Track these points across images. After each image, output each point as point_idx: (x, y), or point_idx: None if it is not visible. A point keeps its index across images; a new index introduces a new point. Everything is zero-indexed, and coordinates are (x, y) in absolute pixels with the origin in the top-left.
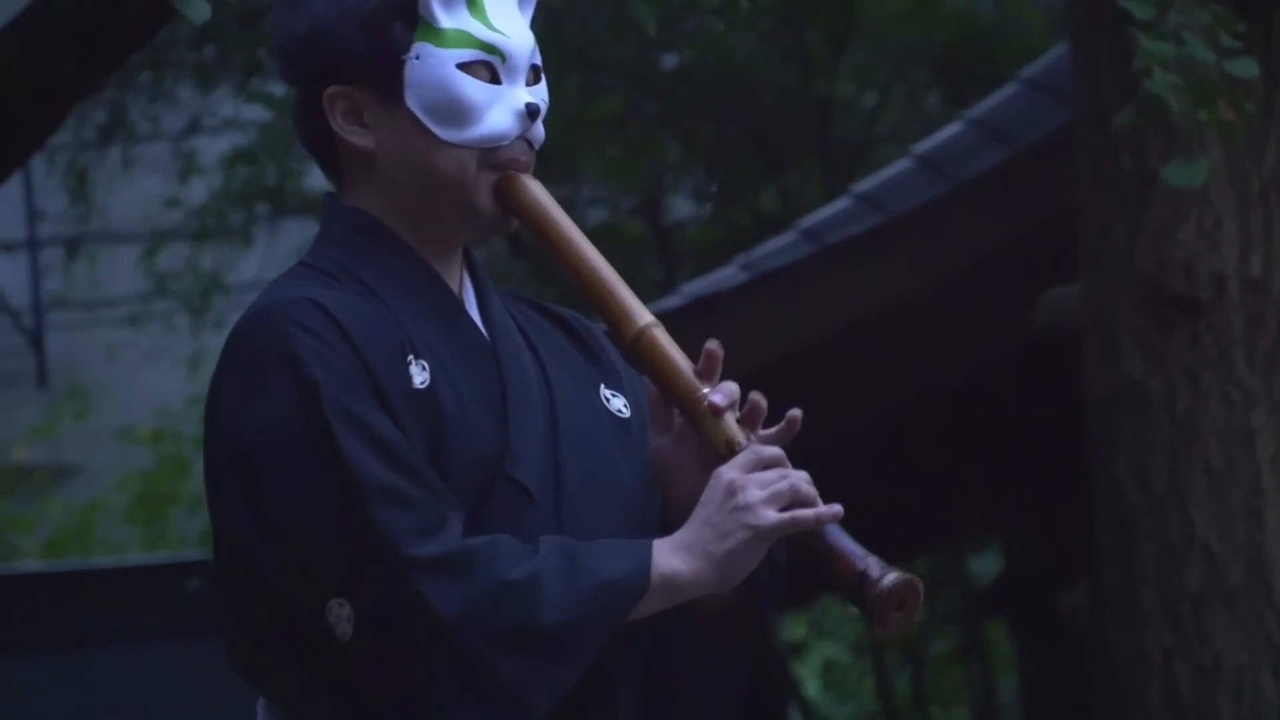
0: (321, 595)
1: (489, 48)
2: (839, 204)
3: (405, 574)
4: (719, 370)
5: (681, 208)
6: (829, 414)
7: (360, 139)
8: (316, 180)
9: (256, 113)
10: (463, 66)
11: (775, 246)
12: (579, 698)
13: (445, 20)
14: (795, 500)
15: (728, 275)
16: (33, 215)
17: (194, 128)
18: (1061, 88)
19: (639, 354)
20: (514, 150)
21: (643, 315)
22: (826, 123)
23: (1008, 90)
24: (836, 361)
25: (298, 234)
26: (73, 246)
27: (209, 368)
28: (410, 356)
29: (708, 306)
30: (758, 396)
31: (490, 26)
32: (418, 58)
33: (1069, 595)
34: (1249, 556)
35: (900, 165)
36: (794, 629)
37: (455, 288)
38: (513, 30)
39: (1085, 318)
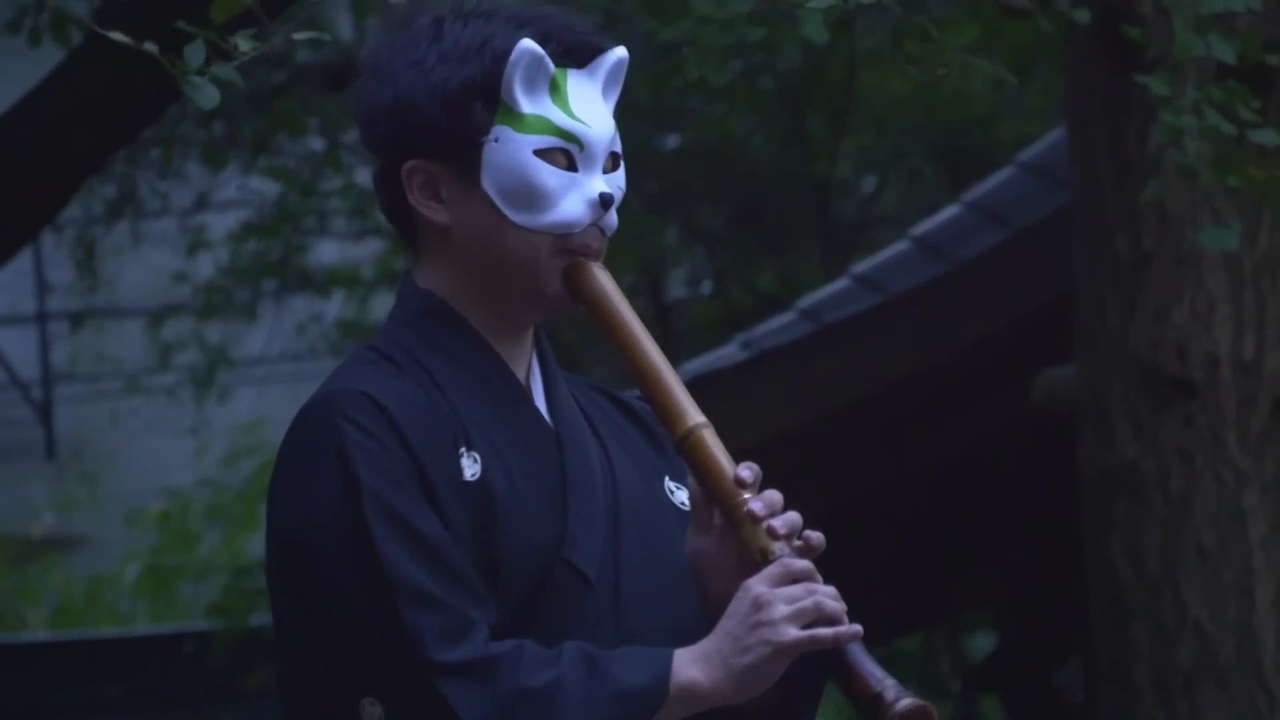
0: (355, 692)
1: (568, 135)
2: (838, 284)
3: (430, 678)
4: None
5: (682, 286)
6: (825, 491)
7: (436, 214)
8: (321, 256)
9: (264, 188)
10: (540, 153)
11: (774, 326)
12: None
13: (526, 105)
14: (820, 618)
15: (727, 354)
16: (42, 288)
17: (202, 203)
18: (1058, 171)
19: (686, 452)
20: (585, 237)
21: (693, 415)
22: (826, 204)
23: (1005, 174)
24: (834, 440)
25: (302, 310)
26: (79, 320)
27: (215, 444)
28: (463, 449)
29: (708, 384)
30: (795, 514)
31: (571, 114)
32: (496, 140)
33: (1062, 672)
34: (1240, 635)
35: (898, 246)
36: None
37: (522, 373)
38: (593, 119)
39: (1080, 398)
